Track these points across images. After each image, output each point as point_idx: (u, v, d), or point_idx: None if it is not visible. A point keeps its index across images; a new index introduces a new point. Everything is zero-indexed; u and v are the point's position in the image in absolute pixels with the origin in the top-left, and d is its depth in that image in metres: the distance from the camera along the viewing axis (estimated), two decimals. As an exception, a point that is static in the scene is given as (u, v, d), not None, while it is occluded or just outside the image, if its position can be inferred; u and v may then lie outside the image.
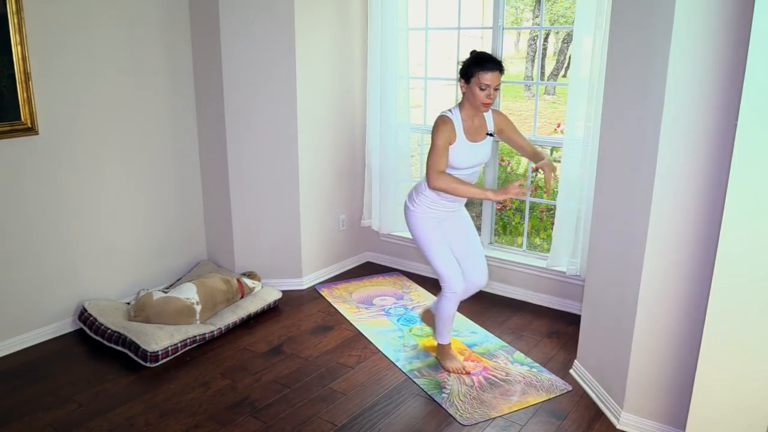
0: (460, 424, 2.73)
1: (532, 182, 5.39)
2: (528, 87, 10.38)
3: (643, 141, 2.45)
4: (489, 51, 3.85)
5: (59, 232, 3.41)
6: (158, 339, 3.17)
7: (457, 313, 3.62)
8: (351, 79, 4.25)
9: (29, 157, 3.23)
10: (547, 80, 10.00)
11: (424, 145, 4.39)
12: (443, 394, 2.94)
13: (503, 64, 2.79)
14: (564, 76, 9.64)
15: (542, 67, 9.90)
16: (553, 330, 3.61)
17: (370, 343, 3.44)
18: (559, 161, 3.76)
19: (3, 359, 3.23)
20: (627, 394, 2.66)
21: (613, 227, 2.74)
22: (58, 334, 3.47)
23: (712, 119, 2.24)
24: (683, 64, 2.25)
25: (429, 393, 2.96)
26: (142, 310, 3.36)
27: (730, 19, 2.13)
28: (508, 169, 6.81)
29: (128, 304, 3.64)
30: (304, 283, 4.18)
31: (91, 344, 3.38)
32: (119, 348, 3.25)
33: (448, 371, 3.13)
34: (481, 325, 3.64)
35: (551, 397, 2.93)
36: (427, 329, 3.54)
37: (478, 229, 4.00)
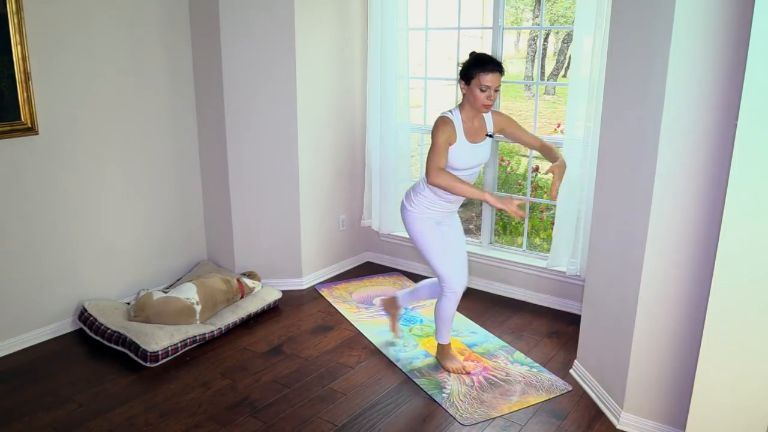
0: (460, 424, 2.73)
1: (532, 182, 5.38)
2: (528, 87, 10.38)
3: (643, 141, 2.45)
4: (489, 51, 3.88)
5: (59, 232, 3.41)
6: (158, 339, 3.17)
7: (457, 313, 3.62)
8: (351, 79, 4.25)
9: (29, 157, 3.23)
10: (547, 80, 10.00)
11: (424, 145, 4.39)
12: (443, 394, 2.94)
13: (503, 65, 2.78)
14: (564, 76, 9.64)
15: (542, 67, 9.90)
16: (553, 330, 3.61)
17: (370, 343, 3.44)
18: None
19: (3, 359, 3.23)
20: (627, 394, 2.66)
21: (613, 227, 2.74)
22: (58, 334, 3.47)
23: (712, 119, 2.24)
24: (683, 64, 2.25)
25: (429, 393, 2.96)
26: (142, 310, 3.36)
27: (730, 19, 2.13)
28: (508, 169, 6.81)
29: (128, 304, 3.64)
30: (304, 283, 4.18)
31: (91, 344, 3.38)
32: (119, 348, 3.25)
33: (448, 371, 3.13)
34: (481, 325, 3.64)
35: (551, 397, 2.93)
36: (428, 329, 3.54)
37: (478, 229, 4.00)
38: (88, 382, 3.03)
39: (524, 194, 4.68)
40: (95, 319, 3.38)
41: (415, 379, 3.07)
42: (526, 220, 4.21)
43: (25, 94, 3.12)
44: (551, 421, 2.76)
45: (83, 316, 3.44)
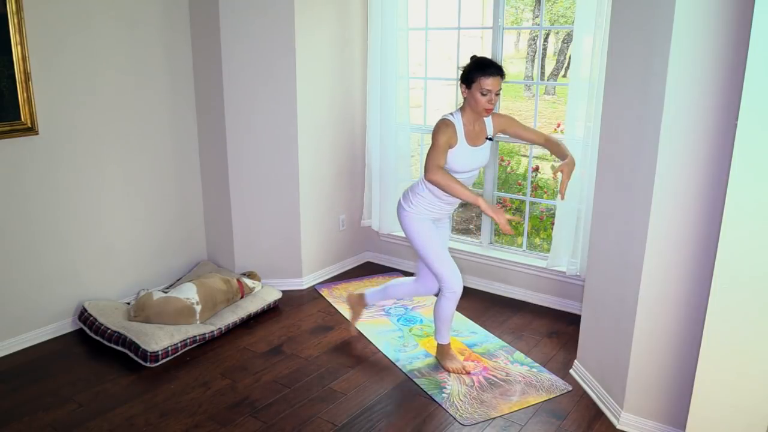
0: (460, 424, 2.73)
1: (532, 182, 5.39)
2: (528, 87, 10.38)
3: (643, 141, 2.45)
4: (489, 51, 3.88)
5: (59, 232, 3.41)
6: (158, 339, 3.17)
7: (457, 313, 3.63)
8: (351, 79, 4.25)
9: (29, 157, 3.23)
10: (547, 80, 10.00)
11: (424, 145, 4.39)
12: (443, 394, 2.94)
13: (504, 69, 2.79)
14: (564, 76, 9.64)
15: (542, 67, 9.90)
16: (553, 330, 3.61)
17: (370, 343, 3.44)
18: (559, 161, 3.76)
19: (3, 359, 3.23)
20: (627, 394, 2.66)
21: (613, 227, 2.74)
22: (58, 334, 3.47)
23: (712, 119, 2.24)
24: (683, 64, 2.25)
25: (429, 393, 2.96)
26: (142, 310, 3.36)
27: (730, 19, 2.13)
28: (508, 169, 6.81)
29: (128, 304, 3.64)
30: (304, 283, 4.18)
31: (91, 344, 3.38)
32: (119, 348, 3.25)
33: (448, 371, 3.13)
34: (481, 325, 3.64)
35: (551, 397, 2.93)
36: (428, 329, 3.54)
37: (478, 229, 4.00)
38: (88, 382, 3.03)
39: (524, 194, 4.68)
40: (95, 319, 3.38)
41: (415, 379, 3.07)
42: (527, 221, 4.21)
43: (25, 94, 3.12)
44: (551, 421, 2.76)
45: (83, 316, 3.44)
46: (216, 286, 3.57)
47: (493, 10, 3.84)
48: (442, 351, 3.18)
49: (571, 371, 3.14)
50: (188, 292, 3.45)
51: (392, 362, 3.23)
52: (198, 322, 3.43)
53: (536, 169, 6.46)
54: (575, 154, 3.52)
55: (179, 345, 3.23)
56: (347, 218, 4.47)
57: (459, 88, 2.88)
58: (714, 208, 2.28)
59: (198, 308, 3.42)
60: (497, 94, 2.79)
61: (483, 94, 2.76)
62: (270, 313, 3.80)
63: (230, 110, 3.85)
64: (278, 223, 4.04)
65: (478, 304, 3.93)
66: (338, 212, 4.38)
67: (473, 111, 2.83)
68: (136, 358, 3.16)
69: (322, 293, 4.08)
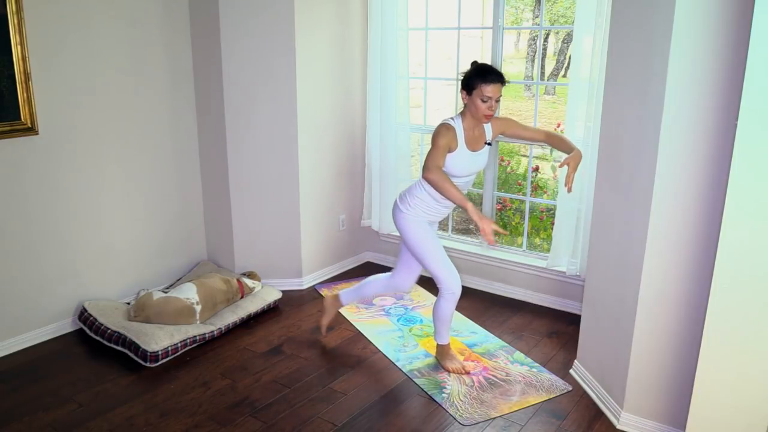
0: (460, 424, 2.73)
1: (532, 182, 5.38)
2: (528, 87, 10.38)
3: (643, 141, 2.45)
4: (489, 51, 3.88)
5: (59, 232, 3.41)
6: (158, 339, 3.17)
7: (457, 313, 3.63)
8: (351, 79, 4.25)
9: (29, 157, 3.23)
10: (547, 80, 10.00)
11: (424, 145, 4.39)
12: (443, 394, 2.94)
13: (504, 76, 2.81)
14: (564, 76, 9.64)
15: (542, 67, 9.90)
16: (553, 330, 3.61)
17: (370, 343, 3.44)
18: (559, 161, 3.76)
19: (3, 359, 3.23)
20: (627, 394, 2.66)
21: (613, 227, 2.74)
22: (58, 334, 3.47)
23: (712, 119, 2.24)
24: (683, 64, 2.25)
25: (429, 393, 2.96)
26: (142, 310, 3.36)
27: (730, 19, 2.13)
28: (508, 169, 6.81)
29: (128, 304, 3.64)
30: (304, 283, 4.18)
31: (91, 344, 3.38)
32: (119, 348, 3.25)
33: (448, 371, 3.13)
34: (481, 325, 3.64)
35: (551, 397, 2.93)
36: (428, 329, 3.54)
37: (478, 229, 3.99)
38: (88, 382, 3.03)
39: (524, 194, 4.68)
40: (95, 319, 3.38)
41: (415, 379, 3.07)
42: (527, 221, 4.21)
43: (25, 94, 3.12)
44: (551, 421, 2.76)
45: (83, 316, 3.44)
46: (216, 286, 3.57)
47: (493, 10, 3.84)
48: (442, 351, 3.18)
49: (571, 371, 3.14)
50: (188, 292, 3.45)
51: (392, 362, 3.23)
52: (198, 322, 3.43)
53: (536, 169, 6.46)
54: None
55: (179, 345, 3.23)
56: (347, 218, 4.47)
57: (459, 93, 2.89)
58: (714, 208, 2.28)
59: (198, 308, 3.43)
60: (497, 101, 2.81)
61: (483, 101, 2.78)
62: (270, 313, 3.80)
63: (230, 110, 3.85)
64: (278, 223, 4.04)
65: (478, 304, 3.93)
66: (338, 212, 4.38)
67: (473, 117, 2.86)
68: (136, 358, 3.16)
69: (322, 293, 4.08)
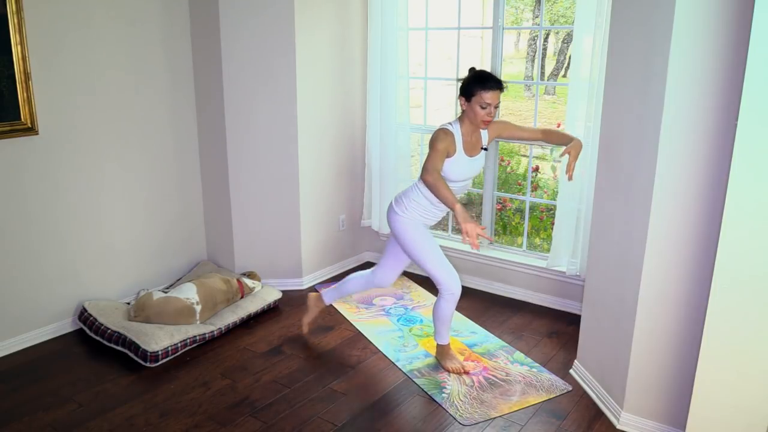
0: (460, 424, 2.73)
1: (532, 182, 5.38)
2: (528, 87, 10.38)
3: (643, 141, 2.45)
4: (489, 51, 3.88)
5: (59, 232, 3.41)
6: (158, 339, 3.17)
7: (457, 313, 3.63)
8: (351, 79, 4.25)
9: (29, 157, 3.23)
10: (547, 80, 10.00)
11: (424, 145, 4.39)
12: (443, 394, 2.94)
13: (503, 83, 2.84)
14: (564, 76, 9.63)
15: (542, 67, 9.90)
16: (553, 330, 3.61)
17: (370, 343, 3.44)
18: (559, 161, 3.76)
19: (3, 359, 3.23)
20: (627, 394, 2.66)
21: (613, 227, 2.74)
22: (58, 334, 3.47)
23: (712, 119, 2.24)
24: (683, 64, 2.25)
25: (429, 393, 2.96)
26: (142, 310, 3.36)
27: (730, 19, 2.13)
28: (508, 169, 6.81)
29: (128, 304, 3.64)
30: (304, 283, 4.18)
31: (91, 344, 3.38)
32: (119, 348, 3.25)
33: (448, 371, 3.13)
34: (481, 325, 3.64)
35: (551, 397, 2.93)
36: (427, 329, 3.54)
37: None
38: (88, 382, 3.03)
39: (524, 194, 4.68)
40: (95, 319, 3.38)
41: (415, 379, 3.07)
42: (527, 221, 4.21)
43: (25, 94, 3.12)
44: (551, 421, 2.76)
45: (83, 316, 3.44)
46: (216, 286, 3.57)
47: (493, 10, 3.84)
48: (442, 351, 3.18)
49: (571, 371, 3.14)
50: (188, 292, 3.45)
51: (392, 362, 3.23)
52: (198, 322, 3.43)
53: (536, 169, 6.46)
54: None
55: (179, 345, 3.23)
56: (347, 218, 4.47)
57: (458, 100, 2.92)
58: (714, 208, 2.28)
59: (198, 308, 3.43)
60: (496, 107, 2.84)
61: (483, 107, 2.81)
62: (270, 313, 3.80)
63: (230, 110, 3.85)
64: (278, 223, 4.04)
65: (478, 304, 3.93)
66: (338, 212, 4.38)
67: (472, 123, 2.89)
68: (136, 358, 3.16)
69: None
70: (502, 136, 3.07)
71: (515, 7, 10.03)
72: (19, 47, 3.06)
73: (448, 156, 2.86)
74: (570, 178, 2.89)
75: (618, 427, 2.70)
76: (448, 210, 3.05)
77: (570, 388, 2.99)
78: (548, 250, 3.96)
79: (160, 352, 3.14)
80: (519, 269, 4.01)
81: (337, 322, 3.68)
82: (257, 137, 3.89)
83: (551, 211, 5.29)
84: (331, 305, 3.73)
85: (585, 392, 2.97)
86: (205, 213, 4.18)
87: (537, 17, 9.48)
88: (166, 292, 3.48)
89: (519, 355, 3.30)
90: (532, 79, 9.76)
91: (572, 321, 3.66)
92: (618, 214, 2.69)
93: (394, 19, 4.03)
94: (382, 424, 2.73)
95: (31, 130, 3.19)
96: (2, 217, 3.18)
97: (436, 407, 2.86)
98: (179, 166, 3.97)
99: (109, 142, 3.57)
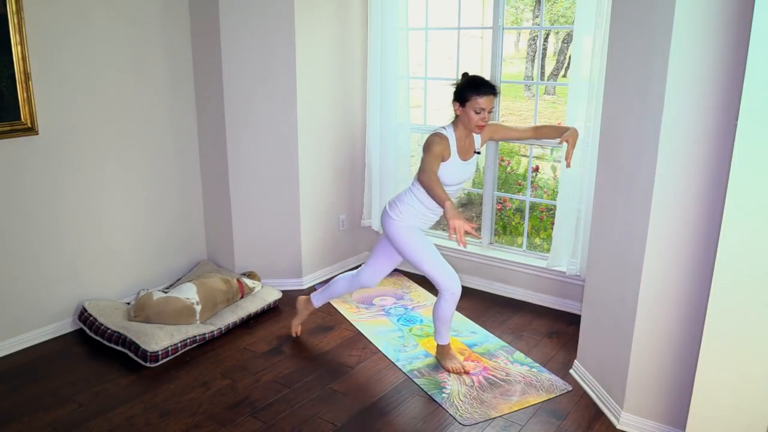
0: (460, 424, 2.73)
1: (532, 182, 5.38)
2: (528, 87, 10.38)
3: (643, 141, 2.45)
4: (489, 51, 3.88)
5: (59, 232, 3.41)
6: (158, 339, 3.17)
7: (457, 313, 3.63)
8: (351, 79, 4.25)
9: (29, 157, 3.23)
10: (547, 80, 10.00)
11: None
12: (443, 394, 2.94)
13: (497, 87, 2.88)
14: (564, 76, 9.63)
15: (542, 67, 9.90)
16: (553, 330, 3.61)
17: (370, 343, 3.44)
18: (559, 161, 3.76)
19: (3, 359, 3.23)
20: (627, 394, 2.66)
21: (613, 227, 2.74)
22: (58, 334, 3.47)
23: (712, 119, 2.24)
24: (683, 64, 2.25)
25: (429, 393, 2.96)
26: (142, 310, 3.36)
27: (730, 19, 2.13)
28: (508, 169, 6.81)
29: (128, 304, 3.64)
30: (304, 283, 4.18)
31: (91, 344, 3.38)
32: (119, 348, 3.25)
33: (448, 371, 3.13)
34: (481, 325, 3.64)
35: (551, 397, 2.93)
36: (428, 329, 3.54)
37: (478, 229, 4.00)
38: (88, 382, 3.03)
39: (524, 194, 4.68)
40: (95, 319, 3.38)
41: (415, 379, 3.07)
42: (527, 221, 4.21)
43: (25, 94, 3.12)
44: (551, 421, 2.76)
45: (83, 316, 3.44)
46: (216, 286, 3.57)
47: (493, 10, 3.84)
48: (442, 351, 3.18)
49: (571, 371, 3.14)
50: (188, 292, 3.45)
51: (392, 362, 3.23)
52: (198, 322, 3.43)
53: (536, 169, 6.46)
54: (575, 154, 3.52)
55: (179, 345, 3.23)
56: (347, 218, 4.47)
57: (452, 105, 2.94)
58: (714, 208, 2.28)
59: (198, 308, 3.43)
60: (490, 112, 2.87)
61: (477, 112, 2.84)
62: (270, 313, 3.80)
63: (230, 110, 3.85)
64: (278, 223, 4.04)
65: (478, 304, 3.93)
66: (338, 212, 4.38)
67: (466, 127, 2.92)
68: (136, 358, 3.16)
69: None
70: (494, 138, 3.12)
71: (515, 7, 10.03)
72: (19, 47, 3.06)
73: (443, 160, 2.89)
74: (568, 165, 2.97)
75: (618, 427, 2.70)
76: (441, 214, 3.06)
77: (570, 388, 2.99)
78: (548, 250, 3.96)
79: (160, 352, 3.14)
80: (519, 269, 4.01)
81: (337, 322, 3.68)
82: (257, 137, 3.89)
83: (551, 211, 5.29)
84: (326, 305, 3.73)
85: (585, 392, 2.97)
86: (205, 213, 4.18)
87: (537, 17, 9.48)
88: (166, 292, 3.48)
89: (519, 355, 3.30)
90: (532, 79, 9.76)
91: (572, 321, 3.66)
92: (618, 214, 2.69)
93: (394, 19, 4.03)
94: (382, 424, 2.73)
95: (31, 130, 3.19)
96: (2, 217, 3.18)
97: (436, 407, 2.86)
98: (179, 166, 3.97)
99: (109, 142, 3.57)
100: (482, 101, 2.82)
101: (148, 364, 3.13)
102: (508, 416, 2.78)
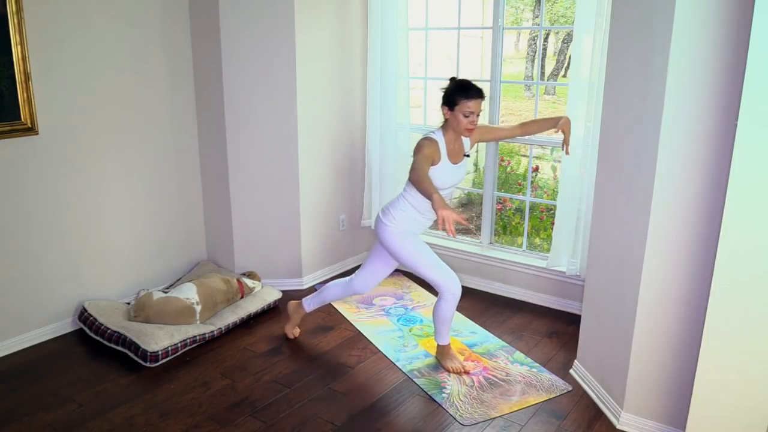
0: (460, 424, 2.73)
1: (532, 182, 5.38)
2: (528, 87, 10.38)
3: (643, 141, 2.45)
4: (489, 51, 3.88)
5: (59, 232, 3.41)
6: (158, 339, 3.17)
7: (457, 313, 3.63)
8: (351, 79, 4.25)
9: (29, 157, 3.23)
10: (547, 80, 10.00)
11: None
12: (443, 394, 2.94)
13: (483, 91, 2.90)
14: (564, 76, 9.63)
15: (542, 67, 9.89)
16: (553, 330, 3.61)
17: (370, 343, 3.44)
18: (559, 161, 3.76)
19: (3, 359, 3.23)
20: (627, 394, 2.66)
21: (613, 227, 2.74)
22: (58, 334, 3.47)
23: (712, 119, 2.24)
24: (683, 64, 2.25)
25: (429, 393, 2.96)
26: (142, 310, 3.36)
27: (730, 19, 2.13)
28: (508, 169, 6.81)
29: (128, 304, 3.64)
30: (304, 283, 4.18)
31: (91, 344, 3.38)
32: (119, 348, 3.25)
33: (448, 371, 3.13)
34: (481, 325, 3.64)
35: (551, 397, 2.93)
36: (428, 329, 3.55)
37: (478, 229, 4.00)
38: (88, 382, 3.03)
39: (524, 194, 4.68)
40: (95, 319, 3.38)
41: (415, 379, 3.07)
42: (527, 221, 4.21)
43: (25, 94, 3.12)
44: (551, 421, 2.76)
45: (83, 316, 3.44)
46: (216, 286, 3.57)
47: (493, 10, 3.84)
48: (442, 351, 3.18)
49: (571, 371, 3.14)
50: (188, 292, 3.45)
51: (392, 362, 3.23)
52: (198, 322, 3.43)
53: (536, 169, 6.46)
54: (575, 154, 3.53)
55: (179, 345, 3.23)
56: (347, 218, 4.47)
57: (441, 109, 2.95)
58: (714, 208, 2.28)
59: (198, 308, 3.43)
60: (478, 115, 2.89)
61: (466, 116, 2.87)
62: (270, 313, 3.80)
63: (230, 110, 3.85)
64: (278, 223, 4.04)
65: (478, 304, 3.94)
66: (338, 212, 4.38)
67: (455, 131, 2.94)
68: (136, 358, 3.16)
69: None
70: (484, 139, 3.13)
71: (515, 7, 10.03)
72: (19, 47, 3.06)
73: (433, 164, 2.89)
74: (567, 153, 3.10)
75: (618, 427, 2.70)
76: (434, 218, 3.06)
77: (570, 388, 2.99)
78: (548, 250, 3.96)
79: (160, 352, 3.14)
80: (519, 269, 4.01)
81: (337, 322, 3.68)
82: (257, 137, 3.89)
83: (551, 211, 5.29)
84: (326, 305, 3.73)
85: (585, 392, 2.97)
86: (205, 213, 4.18)
87: (537, 17, 9.48)
88: (166, 292, 3.48)
89: (519, 355, 3.30)
90: (532, 79, 9.76)
91: (572, 321, 3.66)
92: (618, 214, 2.69)
93: (394, 19, 4.03)
94: (382, 424, 2.73)
95: (31, 130, 3.19)
96: (2, 217, 3.18)
97: (436, 407, 2.86)
98: (179, 166, 3.97)
99: (109, 143, 3.57)
100: (471, 105, 2.84)
101: (148, 364, 3.13)
102: (508, 416, 2.78)
